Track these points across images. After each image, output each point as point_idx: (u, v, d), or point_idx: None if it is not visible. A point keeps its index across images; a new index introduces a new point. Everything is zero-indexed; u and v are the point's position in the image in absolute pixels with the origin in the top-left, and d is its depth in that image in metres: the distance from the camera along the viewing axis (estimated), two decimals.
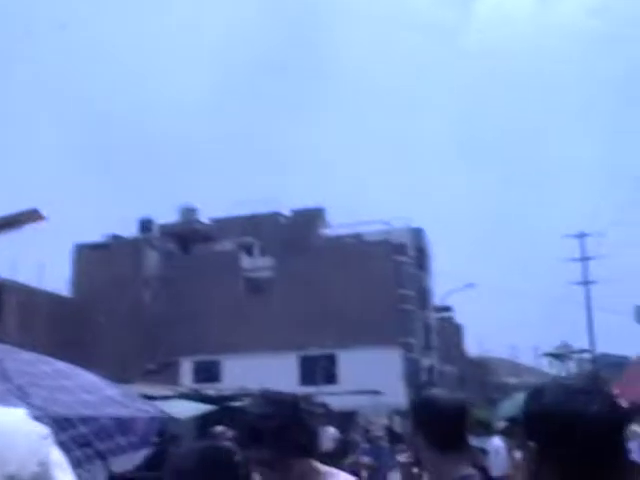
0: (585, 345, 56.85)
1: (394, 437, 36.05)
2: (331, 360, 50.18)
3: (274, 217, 64.18)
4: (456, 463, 2.88)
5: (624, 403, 6.39)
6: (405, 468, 3.56)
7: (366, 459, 15.39)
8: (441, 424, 2.90)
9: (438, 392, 3.04)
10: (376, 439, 16.35)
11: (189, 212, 66.35)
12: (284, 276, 55.54)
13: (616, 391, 6.42)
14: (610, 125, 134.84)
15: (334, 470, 3.09)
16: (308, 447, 3.02)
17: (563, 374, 70.20)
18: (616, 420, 1.81)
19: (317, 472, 3.02)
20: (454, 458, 2.89)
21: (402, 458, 8.61)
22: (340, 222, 63.92)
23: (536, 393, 1.90)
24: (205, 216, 66.81)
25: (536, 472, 1.79)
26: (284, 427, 2.89)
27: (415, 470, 3.35)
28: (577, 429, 1.74)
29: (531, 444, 1.80)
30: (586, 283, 51.26)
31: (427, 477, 3.05)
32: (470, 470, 2.91)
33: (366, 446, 16.73)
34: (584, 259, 51.45)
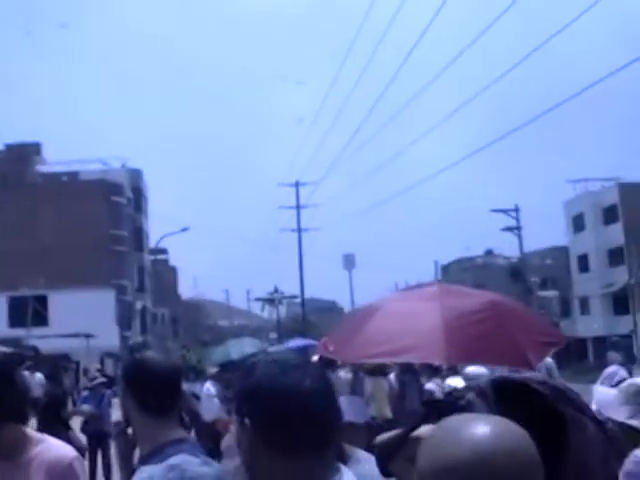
0: (296, 290, 59.30)
1: (109, 381, 35.67)
2: (42, 301, 48.34)
3: None
4: (167, 427, 2.82)
5: (334, 356, 6.75)
6: (118, 427, 3.38)
7: (86, 407, 14.85)
8: (152, 388, 2.80)
9: (151, 354, 2.95)
10: (97, 386, 15.65)
11: None
12: None
13: (330, 345, 6.74)
14: (326, 80, 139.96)
15: (44, 436, 3.04)
16: (19, 412, 2.93)
17: (274, 317, 73.15)
18: (329, 393, 1.85)
19: (28, 439, 2.96)
20: (165, 422, 2.82)
21: (115, 417, 8.36)
22: (56, 159, 61.53)
23: (249, 369, 1.89)
24: None
25: (253, 449, 1.78)
26: None
27: (130, 430, 3.24)
28: (291, 404, 1.76)
29: (247, 421, 1.78)
30: (298, 230, 53.36)
31: (138, 440, 2.94)
32: (181, 433, 2.90)
33: (86, 393, 16.13)
34: (298, 207, 53.44)
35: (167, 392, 2.87)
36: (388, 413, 10.83)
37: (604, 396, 4.45)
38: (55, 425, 10.45)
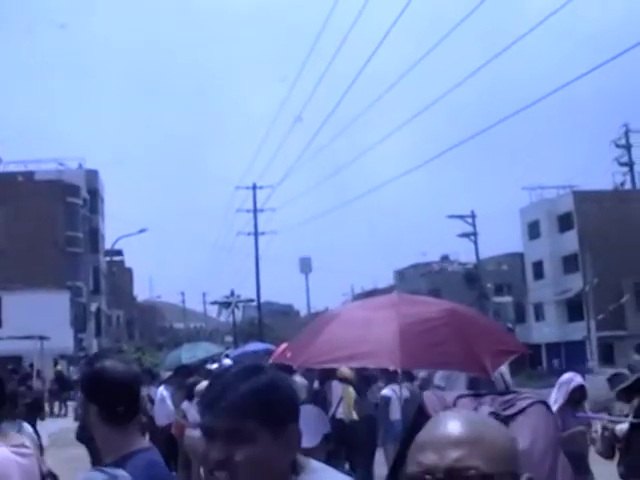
0: (252, 293, 59.14)
1: (65, 383, 35.36)
2: None
3: None
4: (130, 436, 2.82)
5: (291, 362, 6.86)
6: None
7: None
8: (114, 398, 2.78)
9: (111, 363, 2.90)
10: None
11: None
12: None
13: (287, 352, 6.87)
14: (286, 84, 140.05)
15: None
16: None
17: (230, 320, 73.02)
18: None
19: None
20: (128, 431, 2.82)
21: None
22: (12, 159, 60.77)
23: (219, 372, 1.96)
24: None
25: None
26: None
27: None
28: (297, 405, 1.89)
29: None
30: (255, 234, 53.21)
31: (101, 451, 2.89)
32: (144, 443, 2.90)
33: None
34: (255, 210, 53.31)
35: (129, 401, 2.85)
36: (355, 415, 11.15)
37: None
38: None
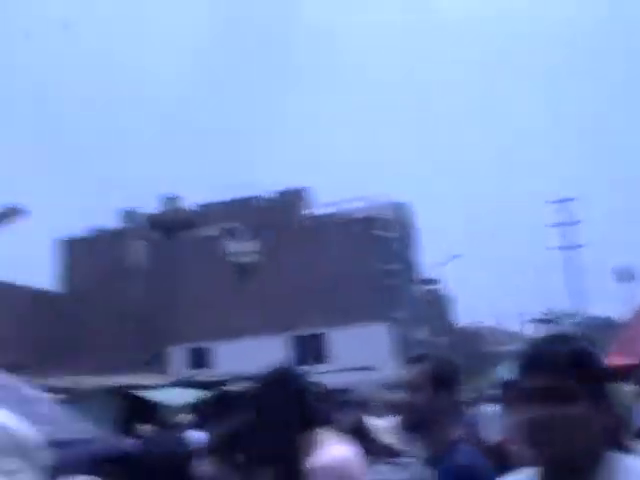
0: (568, 308, 57.20)
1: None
2: (321, 339, 50.30)
3: (257, 200, 63.85)
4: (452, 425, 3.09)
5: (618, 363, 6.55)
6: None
7: None
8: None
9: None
10: None
11: (172, 200, 66.04)
12: (270, 258, 55.26)
13: (611, 358, 6.59)
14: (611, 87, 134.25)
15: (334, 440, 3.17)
16: (307, 420, 3.18)
17: None
18: None
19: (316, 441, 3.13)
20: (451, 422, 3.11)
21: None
22: (323, 201, 63.97)
23: None
24: (187, 203, 66.49)
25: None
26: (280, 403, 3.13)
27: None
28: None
29: None
30: (568, 248, 51.54)
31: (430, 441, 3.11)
32: (460, 433, 3.07)
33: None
34: (566, 224, 51.69)
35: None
36: None
37: None
38: None
